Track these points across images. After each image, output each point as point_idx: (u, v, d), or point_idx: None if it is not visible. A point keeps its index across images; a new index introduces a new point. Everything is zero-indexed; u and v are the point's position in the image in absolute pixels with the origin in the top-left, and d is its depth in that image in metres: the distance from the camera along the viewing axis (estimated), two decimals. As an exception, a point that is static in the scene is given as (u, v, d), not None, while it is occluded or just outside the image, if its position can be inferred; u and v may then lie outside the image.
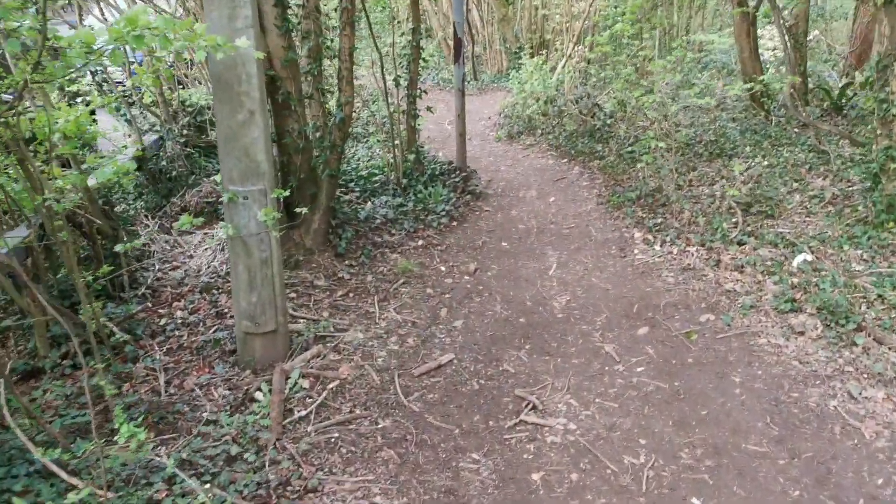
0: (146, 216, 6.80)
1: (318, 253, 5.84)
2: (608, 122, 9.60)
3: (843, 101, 10.17)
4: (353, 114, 10.54)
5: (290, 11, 5.57)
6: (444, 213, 6.92)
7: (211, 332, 4.79)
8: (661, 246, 6.18)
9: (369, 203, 6.83)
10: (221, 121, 4.07)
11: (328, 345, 4.66)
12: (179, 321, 4.93)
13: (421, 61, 7.34)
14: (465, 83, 16.05)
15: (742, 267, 5.53)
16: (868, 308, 4.65)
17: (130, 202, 7.13)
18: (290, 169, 5.74)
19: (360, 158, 8.69)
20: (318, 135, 5.89)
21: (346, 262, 5.82)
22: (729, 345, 4.56)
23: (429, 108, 7.81)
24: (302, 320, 4.97)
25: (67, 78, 3.32)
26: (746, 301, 4.99)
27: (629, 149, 8.63)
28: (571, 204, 7.63)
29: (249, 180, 4.11)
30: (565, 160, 9.28)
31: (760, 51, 16.35)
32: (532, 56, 17.95)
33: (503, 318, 5.13)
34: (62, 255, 4.18)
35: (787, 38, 10.22)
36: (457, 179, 7.78)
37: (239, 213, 4.13)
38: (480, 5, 17.77)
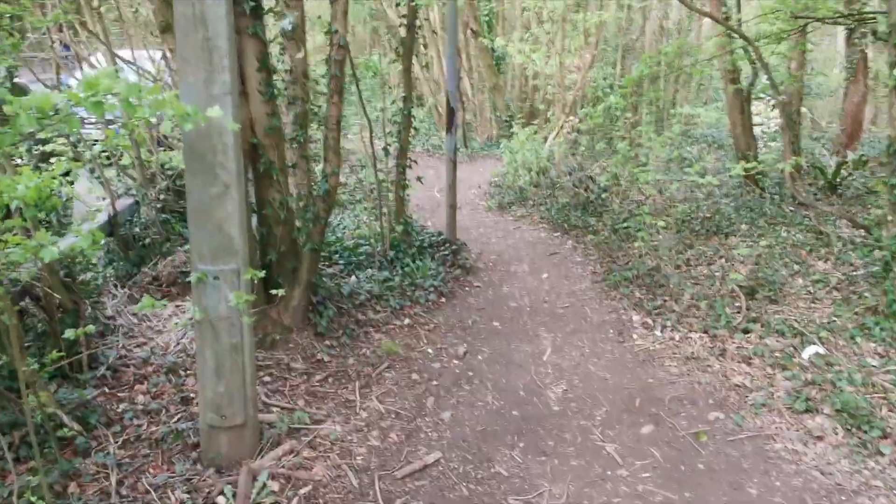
0: (115, 285, 6.39)
1: (297, 331, 5.44)
2: (602, 195, 9.39)
3: (838, 180, 10.04)
4: (341, 181, 10.30)
5: (276, 76, 5.32)
6: (432, 288, 6.57)
7: (174, 420, 4.34)
8: (661, 331, 5.83)
9: (353, 277, 6.47)
10: (193, 193, 3.72)
11: (303, 439, 4.22)
12: (140, 408, 4.48)
13: (412, 129, 7.10)
14: (457, 152, 15.97)
15: (749, 358, 5.18)
16: (890, 412, 4.29)
17: (99, 269, 6.74)
18: (270, 241, 5.40)
19: (346, 227, 8.37)
20: (302, 204, 5.58)
21: (327, 341, 5.42)
22: (742, 449, 4.17)
23: (419, 179, 7.55)
24: (275, 409, 4.54)
25: (19, 143, 2.98)
26: (758, 398, 4.62)
27: (624, 224, 8.38)
28: (565, 281, 7.31)
29: (221, 258, 3.75)
30: (558, 233, 9.01)
31: (750, 126, 16.43)
32: (523, 125, 18.00)
33: (495, 409, 4.72)
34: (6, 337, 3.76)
35: (782, 116, 10.17)
36: (446, 253, 7.46)
37: (208, 294, 3.75)
38: (472, 73, 17.84)
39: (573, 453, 4.20)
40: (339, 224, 8.51)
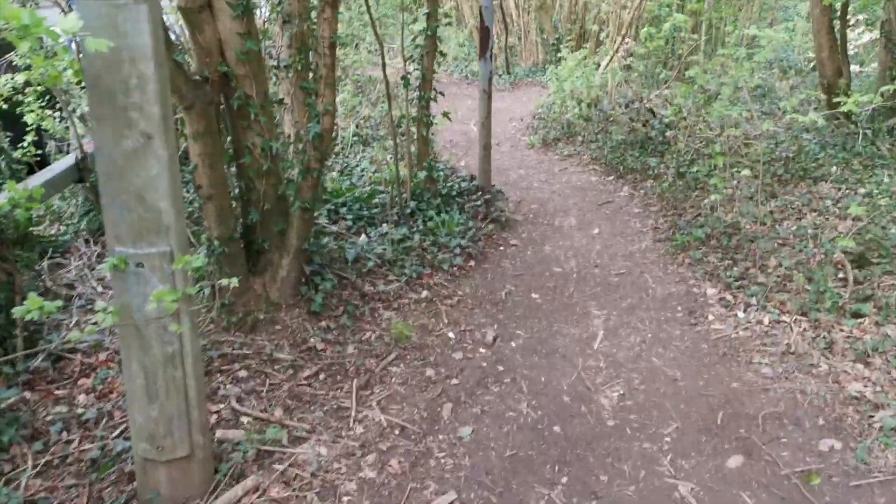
0: (87, 241, 5.42)
1: (286, 309, 4.39)
2: (665, 132, 8.00)
3: (951, 113, 8.44)
4: (365, 113, 9.08)
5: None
6: (458, 249, 5.42)
7: (114, 435, 3.37)
8: (744, 311, 4.61)
9: (363, 235, 5.35)
10: (102, 149, 2.61)
11: (275, 467, 3.20)
12: (76, 414, 3.52)
13: (438, 55, 5.82)
14: (496, 79, 14.47)
15: (867, 355, 3.96)
16: None
17: (72, 221, 5.77)
18: (251, 197, 4.30)
19: (365, 170, 7.21)
20: (301, 147, 4.44)
21: (323, 322, 4.36)
22: (872, 500, 3.01)
23: (445, 115, 6.30)
24: (246, 420, 3.53)
25: None
26: (887, 420, 3.42)
27: (691, 168, 7.03)
28: (620, 239, 6.08)
29: (145, 238, 2.66)
30: (611, 177, 7.70)
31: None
32: (572, 50, 16.33)
33: (530, 423, 3.62)
34: None
35: (882, 36, 8.57)
36: (478, 203, 6.27)
37: (130, 287, 2.68)
38: (515, -9, 16.15)
39: (635, 497, 3.10)
40: (357, 166, 7.35)
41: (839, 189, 6.70)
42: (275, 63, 5.05)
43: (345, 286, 4.67)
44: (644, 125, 8.24)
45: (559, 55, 11.73)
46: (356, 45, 13.91)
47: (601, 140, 8.62)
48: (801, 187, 6.85)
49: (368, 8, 5.05)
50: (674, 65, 15.53)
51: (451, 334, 4.45)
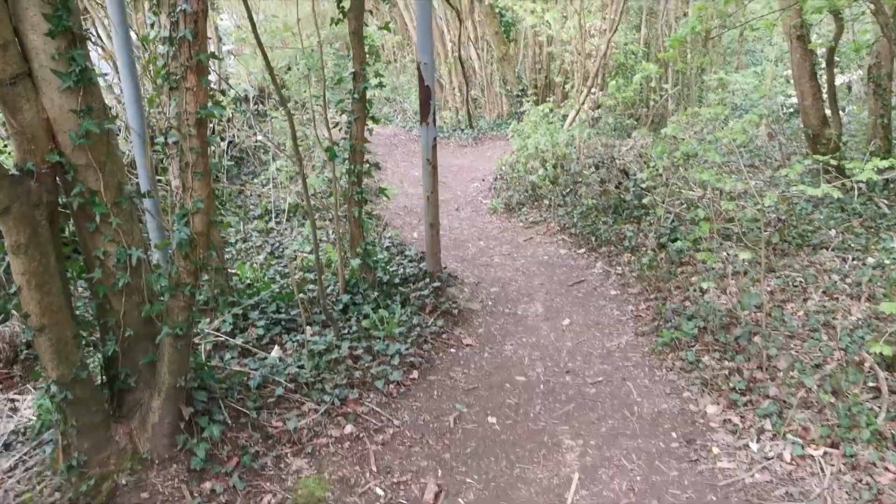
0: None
1: (160, 467, 3.30)
2: (641, 196, 7.10)
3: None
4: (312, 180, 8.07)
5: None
6: (398, 359, 4.38)
7: None
8: (758, 441, 3.61)
9: (276, 349, 4.30)
10: None
11: None
12: None
13: (369, 121, 4.87)
14: (458, 134, 13.65)
15: (929, 513, 2.96)
16: None
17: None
18: (107, 321, 3.25)
19: (298, 251, 6.19)
20: (169, 256, 3.41)
21: (207, 483, 3.27)
22: None
23: (382, 191, 5.36)
24: None
25: None
26: None
27: (675, 242, 6.12)
28: (596, 332, 5.09)
29: None
30: (583, 250, 6.76)
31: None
32: (537, 101, 15.63)
33: None
34: None
35: (870, 82, 7.87)
36: (425, 292, 5.26)
37: None
38: (478, 42, 15.48)
39: None
40: (288, 248, 6.33)
41: (844, 259, 5.82)
42: (162, 139, 4.06)
43: (243, 426, 3.60)
44: (617, 187, 7.35)
45: (521, 109, 10.95)
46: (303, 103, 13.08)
47: (570, 204, 7.71)
48: (800, 257, 5.96)
49: (269, 65, 4.04)
50: (644, 116, 14.91)
51: (379, 490, 3.37)
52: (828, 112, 8.46)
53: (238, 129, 9.94)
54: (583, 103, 9.44)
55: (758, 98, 17.94)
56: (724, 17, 6.37)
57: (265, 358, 4.10)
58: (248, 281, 5.23)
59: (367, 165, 5.03)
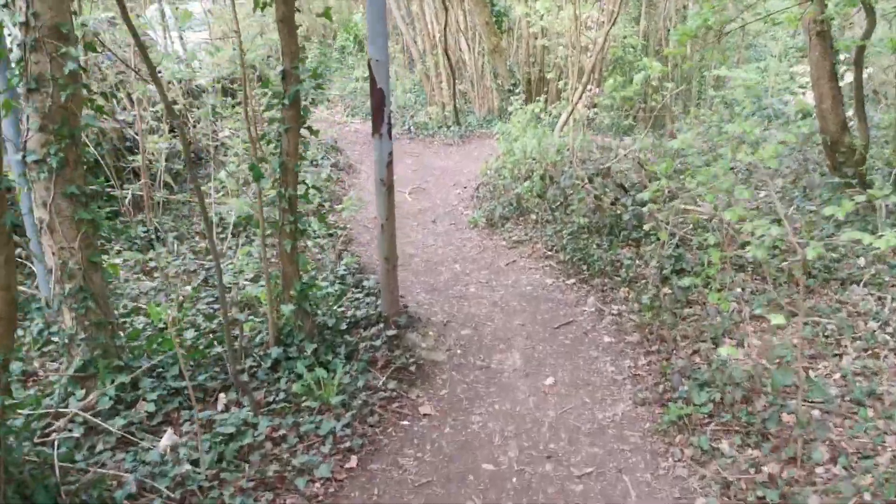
0: None
1: None
2: (640, 216, 6.13)
3: None
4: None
5: None
6: (330, 442, 3.42)
7: None
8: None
9: (168, 433, 3.32)
10: None
11: None
12: None
13: (305, 131, 3.88)
14: (444, 132, 12.64)
15: None
16: None
17: None
18: None
19: (237, 282, 5.21)
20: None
21: None
22: None
23: (322, 218, 4.40)
24: None
25: None
26: None
27: (682, 277, 5.16)
28: (585, 397, 4.13)
29: None
30: (572, 280, 5.78)
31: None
32: (528, 97, 14.60)
33: None
34: None
35: None
36: (377, 342, 4.30)
37: None
38: (467, 32, 14.45)
39: None
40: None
41: (881, 300, 4.87)
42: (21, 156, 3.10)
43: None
44: (613, 203, 6.38)
45: (510, 108, 9.94)
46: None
47: (559, 221, 6.73)
48: (827, 296, 5.02)
49: (149, 63, 3.00)
50: (644, 115, 13.90)
51: None
52: (850, 117, 7.52)
53: (196, 125, 8.94)
54: (577, 103, 8.45)
55: (761, 96, 16.99)
56: (744, 6, 5.39)
57: (151, 450, 3.13)
58: (154, 329, 4.25)
59: (306, 188, 4.05)
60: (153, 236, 6.26)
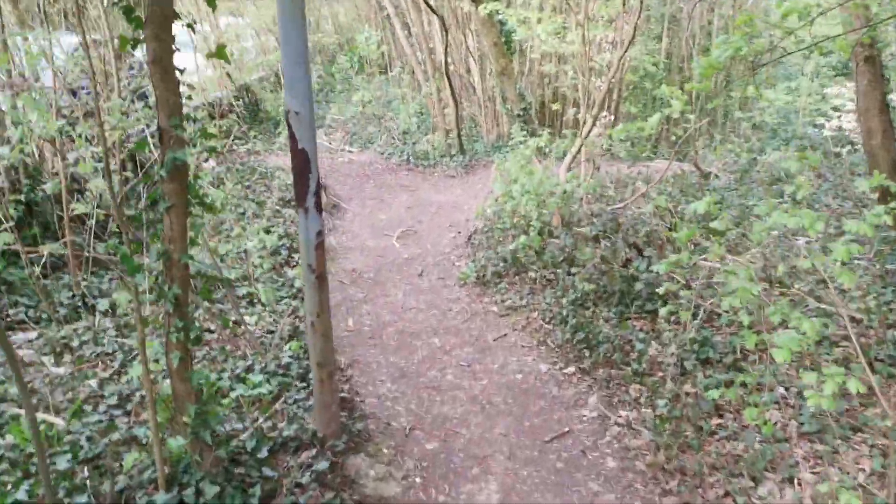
0: None
1: None
2: (655, 287, 5.06)
3: None
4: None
5: None
6: None
7: None
8: None
9: None
10: None
11: None
12: None
13: (197, 208, 2.88)
14: (446, 162, 11.63)
15: None
16: None
17: None
18: None
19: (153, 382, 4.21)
20: None
21: None
22: None
23: (196, 340, 3.39)
24: None
25: None
26: None
27: (703, 356, 4.11)
28: (578, 562, 3.07)
29: None
30: (571, 369, 4.71)
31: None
32: (541, 121, 13.58)
33: None
34: None
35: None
36: (304, 479, 3.27)
37: None
38: (474, 54, 13.47)
39: None
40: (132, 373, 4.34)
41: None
42: None
43: None
44: (625, 265, 5.32)
45: (509, 142, 8.96)
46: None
47: (560, 282, 5.68)
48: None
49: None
50: (666, 141, 12.81)
51: None
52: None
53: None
54: (586, 136, 7.41)
55: (792, 119, 15.82)
56: (783, 33, 4.34)
57: None
58: (19, 454, 3.26)
59: (205, 278, 3.04)
60: (80, 303, 5.31)
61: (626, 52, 7.10)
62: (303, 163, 3.05)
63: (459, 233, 7.94)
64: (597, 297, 5.31)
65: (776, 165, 10.04)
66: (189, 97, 2.96)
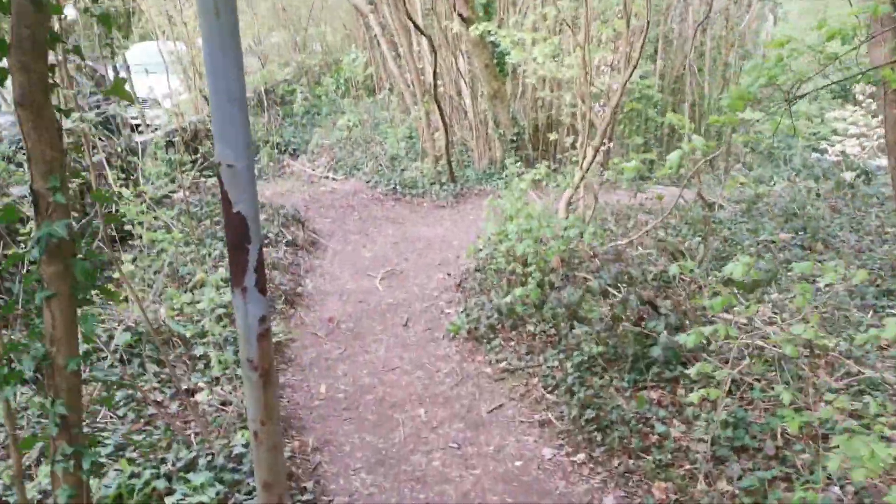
0: None
1: None
2: (674, 352, 4.34)
3: None
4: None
5: None
6: None
7: None
8: None
9: None
10: None
11: None
12: None
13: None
14: (436, 190, 10.95)
15: None
16: None
17: None
18: None
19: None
20: None
21: None
22: None
23: (191, 393, 2.59)
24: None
25: None
26: None
27: (740, 443, 3.40)
28: None
29: None
30: (581, 455, 3.97)
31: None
32: (534, 146, 12.92)
33: None
34: None
35: None
36: None
37: None
38: (466, 76, 12.84)
39: None
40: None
41: None
42: None
43: None
44: (637, 323, 4.60)
45: (504, 174, 8.28)
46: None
47: (562, 341, 4.96)
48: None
49: None
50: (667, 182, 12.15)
51: None
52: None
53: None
54: (587, 170, 6.72)
55: (792, 144, 15.23)
56: (826, 59, 3.67)
57: None
58: None
59: (105, 393, 2.29)
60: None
61: (630, 75, 6.44)
62: (239, 231, 2.33)
63: (449, 274, 7.22)
64: (606, 361, 4.59)
65: (785, 197, 9.41)
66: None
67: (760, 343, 4.21)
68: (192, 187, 9.56)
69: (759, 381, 4.24)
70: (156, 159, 9.66)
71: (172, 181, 9.05)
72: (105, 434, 3.70)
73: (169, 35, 12.77)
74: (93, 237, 5.48)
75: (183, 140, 11.14)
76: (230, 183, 2.28)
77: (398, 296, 6.85)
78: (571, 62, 7.33)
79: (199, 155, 10.97)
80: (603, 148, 7.93)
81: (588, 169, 6.75)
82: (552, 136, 9.16)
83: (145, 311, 3.86)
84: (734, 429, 3.73)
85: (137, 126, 10.38)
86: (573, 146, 8.55)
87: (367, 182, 11.36)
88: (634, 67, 6.36)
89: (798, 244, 7.47)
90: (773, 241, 7.62)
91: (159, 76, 11.53)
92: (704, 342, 3.94)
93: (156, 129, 11.14)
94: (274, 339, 5.53)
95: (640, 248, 7.12)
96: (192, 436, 3.88)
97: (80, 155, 7.50)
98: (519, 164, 8.56)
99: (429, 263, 7.81)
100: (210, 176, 9.45)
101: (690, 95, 14.78)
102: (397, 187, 11.04)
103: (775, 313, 5.01)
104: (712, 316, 4.10)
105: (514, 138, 12.48)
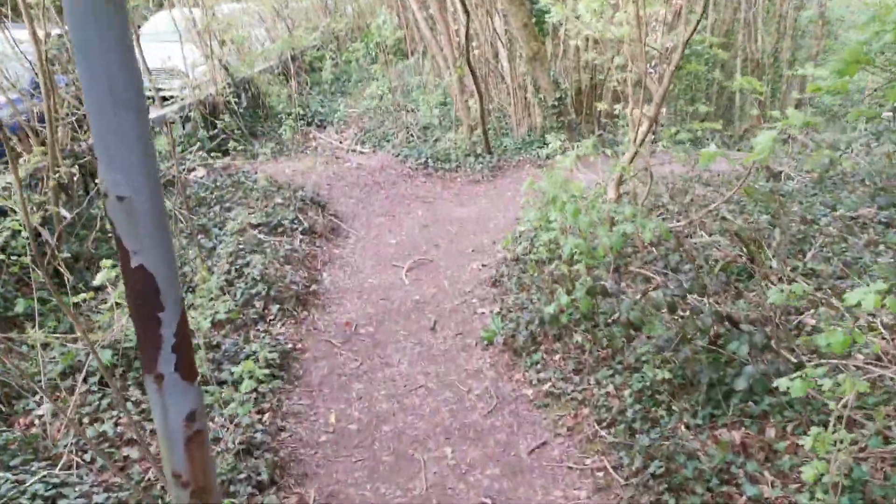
0: None
1: None
2: (758, 379, 3.46)
3: None
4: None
5: None
6: None
7: None
8: None
9: None
10: None
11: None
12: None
13: None
14: (470, 163, 10.07)
15: None
16: None
17: None
18: None
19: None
20: None
21: None
22: None
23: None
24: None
25: None
26: None
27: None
28: None
29: None
30: (647, 521, 3.17)
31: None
32: (568, 134, 11.71)
33: None
34: None
35: None
36: None
37: None
38: (503, 37, 11.82)
39: None
40: None
41: None
42: None
43: None
44: (713, 342, 3.72)
45: (544, 149, 7.35)
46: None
47: (616, 356, 4.12)
48: None
49: None
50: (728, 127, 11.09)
51: None
52: None
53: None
54: (641, 144, 5.78)
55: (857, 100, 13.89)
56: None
57: None
58: None
59: None
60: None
61: (694, 30, 5.44)
62: (143, 293, 1.54)
63: (484, 265, 6.39)
64: (673, 388, 3.74)
65: (864, 165, 8.29)
66: None
67: (873, 369, 3.33)
68: (206, 166, 8.88)
69: (870, 418, 3.35)
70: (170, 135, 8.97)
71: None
72: None
73: (185, 1, 11.98)
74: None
75: (202, 114, 10.45)
76: (124, 223, 1.48)
77: (426, 291, 6.06)
78: (621, 18, 6.35)
79: (216, 130, 10.29)
80: (655, 129, 6.96)
81: (642, 143, 5.80)
82: (600, 106, 8.12)
83: (94, 348, 3.13)
84: (850, 491, 2.87)
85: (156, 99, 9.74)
86: (618, 116, 7.55)
87: (397, 155, 10.50)
88: (699, 21, 5.36)
89: (884, 221, 6.45)
90: (854, 219, 6.60)
91: (173, 45, 10.78)
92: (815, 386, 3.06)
93: (172, 102, 10.45)
94: (281, 350, 4.82)
95: (700, 231, 6.20)
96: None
97: (85, 136, 6.83)
98: (561, 133, 7.62)
99: (461, 251, 6.99)
100: (218, 157, 8.75)
101: (743, 52, 13.53)
102: (429, 161, 10.17)
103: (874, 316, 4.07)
104: (824, 349, 3.21)
105: (556, 103, 11.42)
